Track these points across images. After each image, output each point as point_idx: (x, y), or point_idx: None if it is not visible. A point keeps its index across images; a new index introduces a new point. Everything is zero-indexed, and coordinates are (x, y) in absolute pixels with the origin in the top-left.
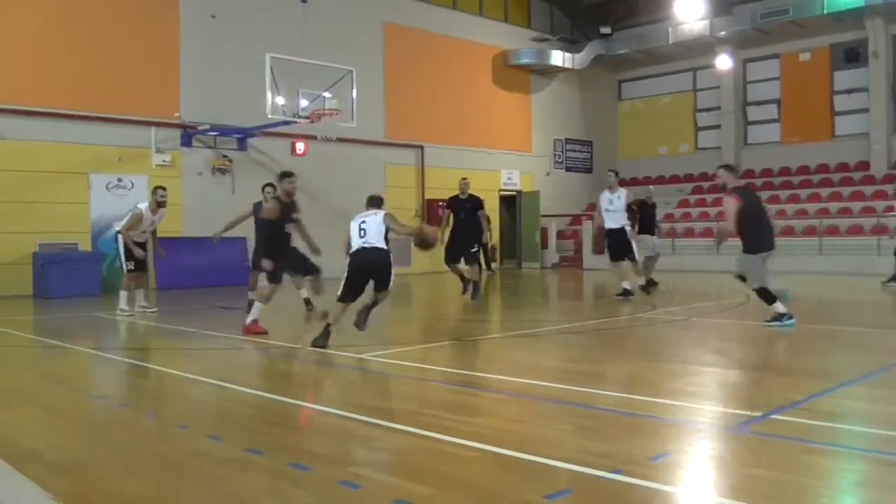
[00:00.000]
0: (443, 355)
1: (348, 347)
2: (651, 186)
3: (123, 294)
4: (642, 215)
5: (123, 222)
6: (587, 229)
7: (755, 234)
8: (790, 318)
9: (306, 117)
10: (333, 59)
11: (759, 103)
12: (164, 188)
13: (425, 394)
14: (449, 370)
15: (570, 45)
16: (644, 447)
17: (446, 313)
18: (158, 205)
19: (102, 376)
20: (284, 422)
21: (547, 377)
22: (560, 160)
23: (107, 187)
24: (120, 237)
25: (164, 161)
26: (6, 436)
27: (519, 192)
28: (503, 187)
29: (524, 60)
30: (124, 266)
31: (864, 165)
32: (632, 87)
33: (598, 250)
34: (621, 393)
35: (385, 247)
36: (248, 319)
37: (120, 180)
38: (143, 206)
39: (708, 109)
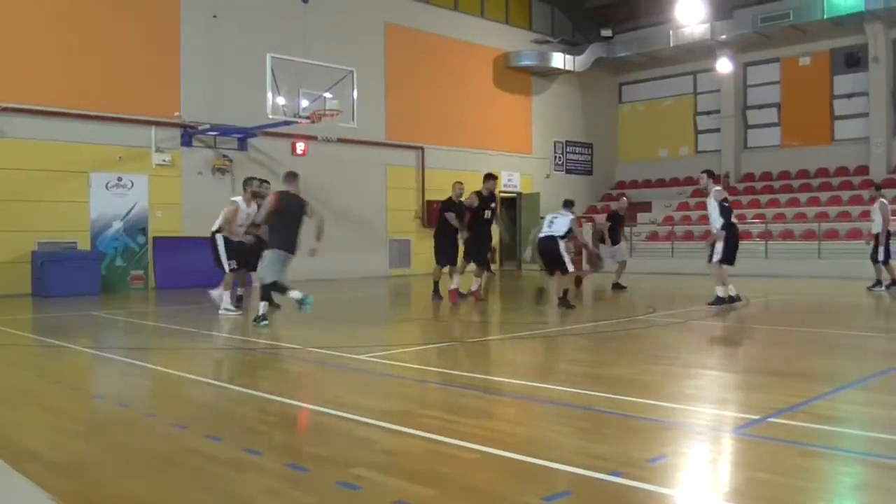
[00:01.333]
0: (443, 357)
1: (348, 348)
2: (625, 198)
3: (226, 293)
4: (613, 224)
5: (219, 221)
6: (587, 231)
7: (283, 234)
8: (264, 319)
9: (307, 117)
10: (334, 59)
11: (759, 107)
12: (258, 179)
13: (425, 395)
14: (448, 371)
15: (571, 47)
16: (643, 449)
17: (446, 314)
18: (254, 196)
19: (102, 376)
20: (284, 422)
21: (546, 379)
22: (560, 162)
23: (107, 186)
24: (218, 237)
25: (164, 160)
26: (6, 436)
27: (519, 193)
28: (503, 189)
29: (525, 62)
30: (226, 265)
31: (863, 170)
32: (632, 89)
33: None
34: (620, 395)
35: (557, 236)
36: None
37: (120, 179)
38: (238, 199)
39: (708, 113)
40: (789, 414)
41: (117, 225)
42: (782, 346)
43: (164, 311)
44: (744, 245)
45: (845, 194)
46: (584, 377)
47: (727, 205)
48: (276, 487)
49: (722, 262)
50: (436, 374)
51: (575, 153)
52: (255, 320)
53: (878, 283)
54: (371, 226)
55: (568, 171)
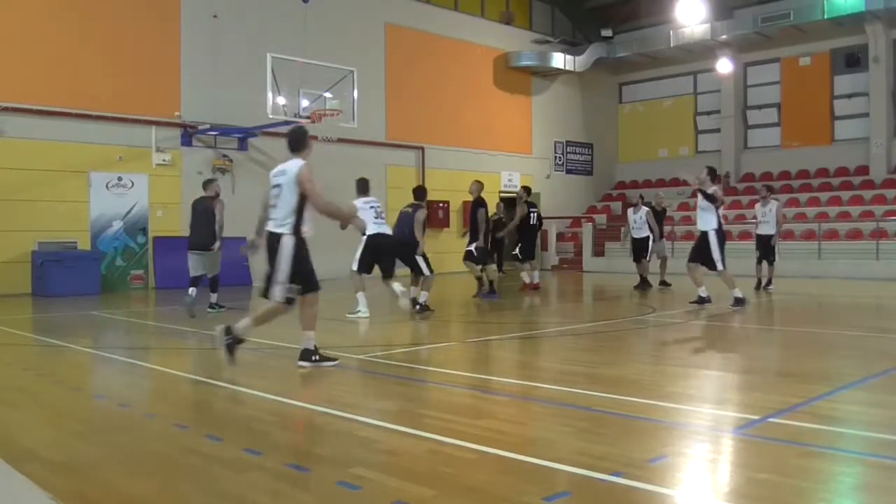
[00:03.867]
0: (443, 357)
1: (349, 348)
2: (660, 192)
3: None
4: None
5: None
6: (587, 231)
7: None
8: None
9: (307, 117)
10: (335, 59)
11: (759, 107)
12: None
13: (425, 395)
14: (448, 371)
15: (572, 47)
16: (643, 449)
17: (446, 314)
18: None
19: (102, 376)
20: (284, 422)
21: (546, 379)
22: (560, 162)
23: (107, 186)
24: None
25: (164, 160)
26: (6, 436)
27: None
28: (503, 189)
29: (525, 62)
30: (720, 265)
31: (863, 170)
32: (632, 89)
33: None
34: (620, 395)
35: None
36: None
37: (120, 179)
38: None
39: (708, 113)
40: (789, 414)
41: (117, 224)
42: (782, 346)
43: (164, 311)
44: (744, 245)
45: (845, 194)
46: (584, 377)
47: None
48: (276, 487)
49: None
50: (436, 374)
51: (575, 153)
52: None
53: (770, 282)
54: None
55: (568, 172)
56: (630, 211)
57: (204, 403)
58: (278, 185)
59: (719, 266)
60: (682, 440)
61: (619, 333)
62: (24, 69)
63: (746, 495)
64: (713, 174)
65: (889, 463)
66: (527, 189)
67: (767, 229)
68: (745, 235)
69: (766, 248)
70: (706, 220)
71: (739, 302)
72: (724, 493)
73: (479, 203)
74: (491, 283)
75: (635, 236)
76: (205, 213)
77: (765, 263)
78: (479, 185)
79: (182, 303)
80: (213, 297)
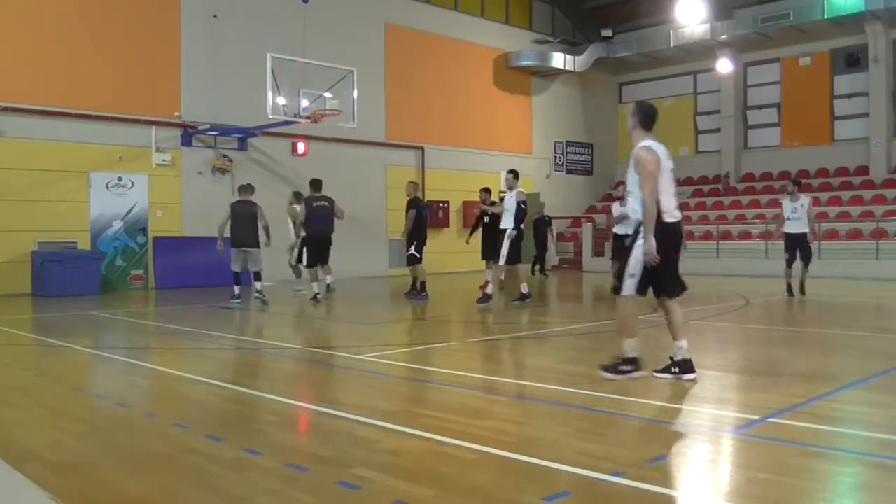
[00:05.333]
0: (442, 357)
1: (348, 348)
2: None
3: None
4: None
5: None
6: (587, 231)
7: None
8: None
9: (307, 117)
10: (335, 59)
11: (759, 107)
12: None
13: (425, 395)
14: (448, 371)
15: (572, 47)
16: (643, 450)
17: (446, 314)
18: None
19: (102, 376)
20: (284, 422)
21: (546, 379)
22: (560, 162)
23: (107, 186)
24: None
25: (164, 160)
26: (6, 436)
27: None
28: (503, 189)
29: (525, 62)
30: None
31: (863, 170)
32: (632, 89)
33: None
34: (620, 395)
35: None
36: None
37: (120, 179)
38: None
39: (708, 113)
40: (789, 414)
41: (117, 225)
42: (782, 346)
43: (164, 311)
44: (744, 245)
45: (845, 194)
46: (584, 377)
47: (524, 207)
48: (276, 487)
49: (509, 262)
50: (436, 374)
51: (575, 153)
52: None
53: (803, 286)
54: (371, 226)
55: (568, 172)
56: (616, 205)
57: (204, 403)
58: (673, 169)
59: (501, 261)
60: (682, 440)
61: None
62: (24, 69)
63: (746, 495)
64: (516, 176)
65: (889, 463)
66: (415, 184)
67: (800, 227)
68: (745, 235)
69: (801, 247)
70: (507, 221)
71: (486, 299)
72: (724, 493)
73: (412, 204)
74: (422, 283)
75: (618, 232)
76: (250, 215)
77: (796, 266)
78: (414, 185)
79: (229, 301)
80: (258, 286)
